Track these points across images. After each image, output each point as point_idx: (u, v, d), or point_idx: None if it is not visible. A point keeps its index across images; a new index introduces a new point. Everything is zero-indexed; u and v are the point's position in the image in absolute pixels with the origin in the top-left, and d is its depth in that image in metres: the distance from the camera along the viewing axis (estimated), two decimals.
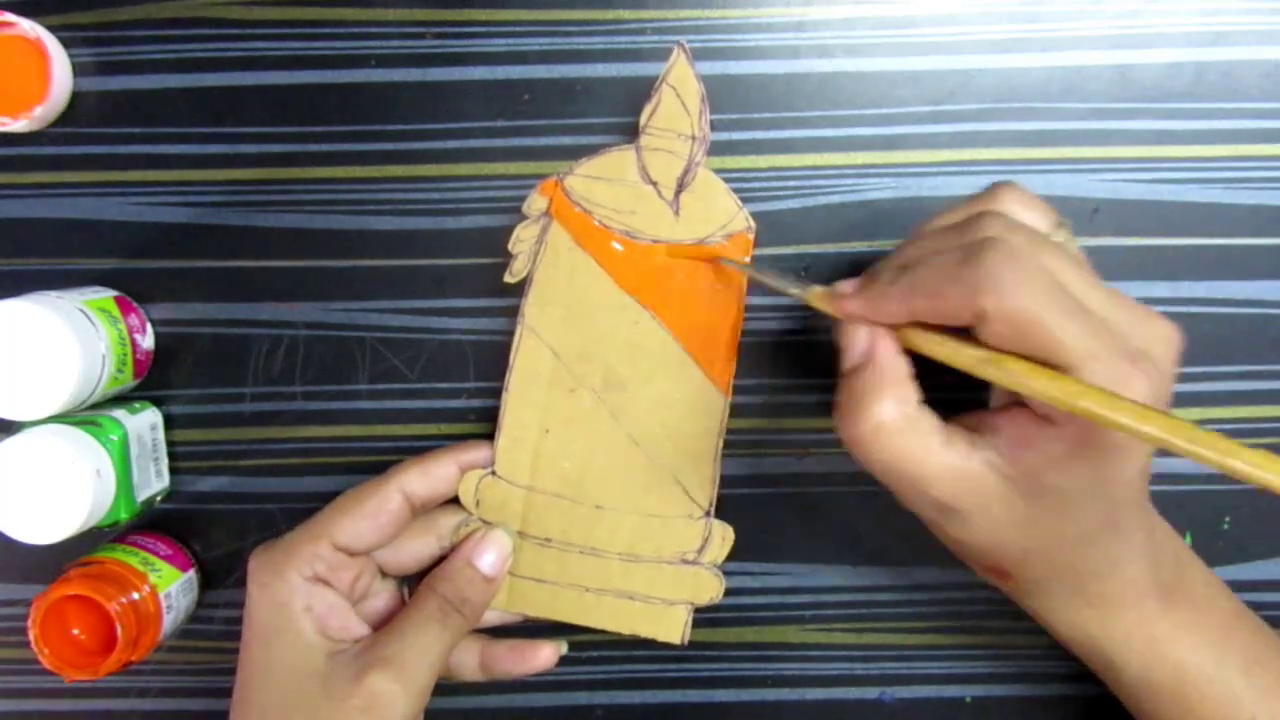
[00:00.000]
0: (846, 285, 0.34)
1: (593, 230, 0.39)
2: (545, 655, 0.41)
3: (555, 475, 0.40)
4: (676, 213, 0.39)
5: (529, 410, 0.40)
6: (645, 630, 0.41)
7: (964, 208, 0.34)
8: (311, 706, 0.35)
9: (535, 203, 0.39)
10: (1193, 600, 0.36)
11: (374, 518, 0.37)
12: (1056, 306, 0.29)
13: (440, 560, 0.40)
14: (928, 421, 0.32)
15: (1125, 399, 0.28)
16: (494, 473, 0.40)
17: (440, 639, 0.37)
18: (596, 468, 0.40)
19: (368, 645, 0.36)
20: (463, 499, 0.40)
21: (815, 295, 0.35)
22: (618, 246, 0.39)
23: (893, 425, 0.32)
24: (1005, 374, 0.30)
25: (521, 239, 0.39)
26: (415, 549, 0.40)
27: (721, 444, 0.40)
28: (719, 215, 0.39)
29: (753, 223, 0.39)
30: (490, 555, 0.39)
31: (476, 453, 0.40)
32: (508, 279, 0.39)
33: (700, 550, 0.40)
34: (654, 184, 0.39)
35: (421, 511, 0.39)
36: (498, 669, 0.41)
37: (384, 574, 0.40)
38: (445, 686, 0.44)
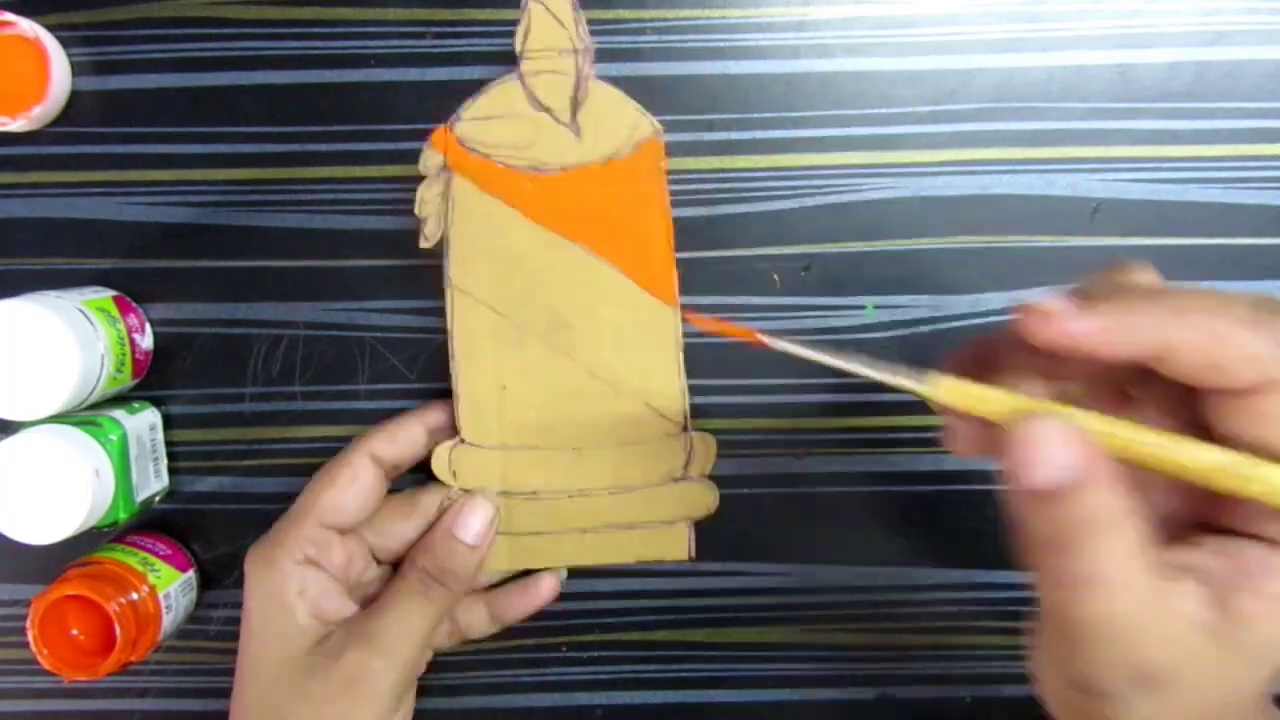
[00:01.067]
0: (1051, 303, 0.24)
1: (496, 173, 0.38)
2: (548, 586, 0.42)
3: (524, 428, 0.39)
4: (577, 134, 0.38)
5: (480, 372, 0.39)
6: (651, 554, 0.40)
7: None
8: (297, 690, 0.36)
9: (430, 158, 0.38)
10: None
11: (350, 485, 0.38)
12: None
13: None
14: (1165, 574, 0.24)
15: None
16: (463, 441, 0.40)
17: (423, 612, 0.37)
18: (563, 412, 0.39)
19: (349, 624, 0.37)
20: (439, 474, 0.39)
21: (948, 389, 0.26)
22: (526, 184, 0.38)
23: (1113, 577, 0.23)
24: (1244, 480, 0.23)
25: (426, 200, 0.38)
26: (400, 530, 0.39)
27: (682, 356, 0.40)
28: (622, 127, 0.38)
29: (659, 126, 0.38)
30: (473, 523, 0.38)
31: (439, 414, 0.40)
32: (422, 244, 0.38)
33: (686, 465, 0.40)
34: (547, 109, 0.37)
35: (394, 474, 0.40)
36: (508, 615, 0.42)
37: (378, 561, 0.40)
38: (446, 686, 0.44)
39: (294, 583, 0.37)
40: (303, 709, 0.36)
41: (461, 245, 0.38)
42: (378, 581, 0.40)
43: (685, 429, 0.40)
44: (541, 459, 0.40)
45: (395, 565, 0.41)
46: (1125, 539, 0.23)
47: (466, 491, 0.40)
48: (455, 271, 0.39)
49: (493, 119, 0.38)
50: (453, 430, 0.40)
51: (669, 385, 0.40)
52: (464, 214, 0.38)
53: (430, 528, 0.39)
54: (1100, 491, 0.23)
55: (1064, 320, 0.24)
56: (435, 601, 0.37)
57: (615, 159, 0.38)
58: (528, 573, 0.42)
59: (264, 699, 0.36)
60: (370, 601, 0.39)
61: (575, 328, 0.39)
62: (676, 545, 0.41)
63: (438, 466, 0.39)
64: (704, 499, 0.40)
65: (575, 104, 0.37)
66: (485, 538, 0.39)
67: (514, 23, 0.40)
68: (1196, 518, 0.26)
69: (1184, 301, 0.23)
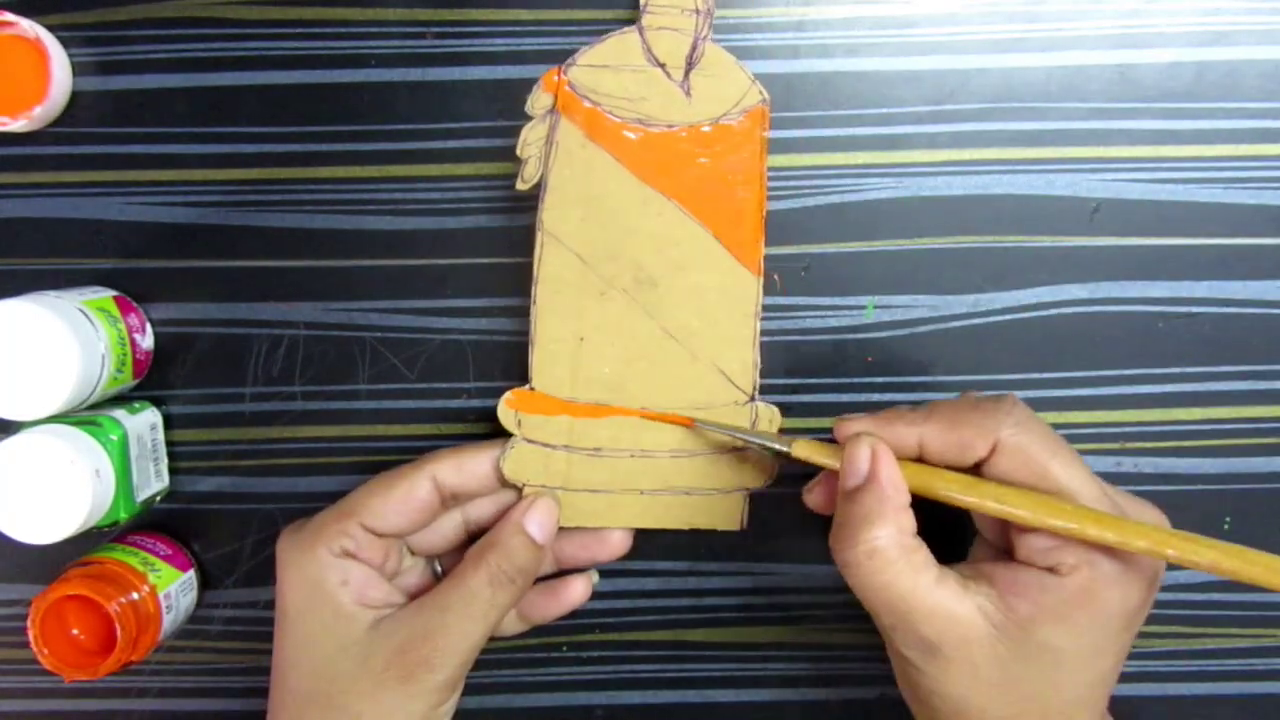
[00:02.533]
0: (852, 417, 0.35)
1: (603, 122, 0.38)
2: (579, 589, 0.42)
3: (596, 383, 0.39)
4: (688, 93, 0.38)
5: (560, 320, 0.39)
6: (704, 522, 0.40)
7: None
8: (350, 677, 0.35)
9: (539, 99, 0.37)
10: None
11: (403, 503, 0.37)
12: (1066, 452, 0.32)
13: (468, 542, 0.39)
14: (924, 554, 0.32)
15: (1138, 524, 0.30)
16: (532, 388, 0.39)
17: (486, 614, 0.36)
18: (637, 369, 0.39)
19: (410, 615, 0.36)
20: (503, 421, 0.39)
21: (801, 446, 0.36)
22: (631, 136, 0.38)
23: (889, 552, 0.31)
24: (1001, 504, 0.31)
25: (529, 141, 0.37)
26: (442, 527, 0.39)
27: (759, 326, 0.40)
28: (732, 91, 0.38)
29: (767, 95, 0.38)
30: (543, 519, 0.38)
31: None
32: (519, 186, 0.38)
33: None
34: (661, 65, 0.37)
35: (452, 503, 0.39)
36: (536, 615, 0.41)
37: (412, 552, 0.40)
38: None
39: (335, 573, 0.36)
40: (356, 696, 0.35)
41: (559, 190, 0.38)
42: (413, 572, 0.40)
43: (753, 399, 0.40)
44: (609, 415, 0.39)
45: (427, 557, 0.41)
46: (899, 522, 0.32)
47: (530, 442, 0.39)
48: (548, 215, 0.38)
49: (606, 68, 0.37)
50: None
51: (743, 353, 0.40)
52: (565, 159, 0.38)
53: (473, 532, 0.40)
54: (884, 485, 0.32)
55: (849, 424, 0.35)
56: (500, 600, 0.37)
57: (721, 123, 0.38)
58: (560, 574, 0.42)
59: (313, 683, 0.36)
60: (411, 592, 0.39)
61: (660, 286, 0.39)
62: (731, 515, 0.41)
63: (503, 414, 0.39)
64: (762, 469, 0.40)
65: (690, 63, 0.37)
66: (550, 537, 0.39)
67: (514, 23, 0.40)
68: (1008, 552, 0.34)
69: (934, 407, 0.34)
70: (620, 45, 0.37)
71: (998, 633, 0.31)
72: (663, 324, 0.39)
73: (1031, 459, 0.32)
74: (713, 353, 0.39)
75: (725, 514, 0.41)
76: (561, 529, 0.40)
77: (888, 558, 0.31)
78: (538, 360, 0.39)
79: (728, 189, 0.38)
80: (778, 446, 0.37)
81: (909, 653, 0.32)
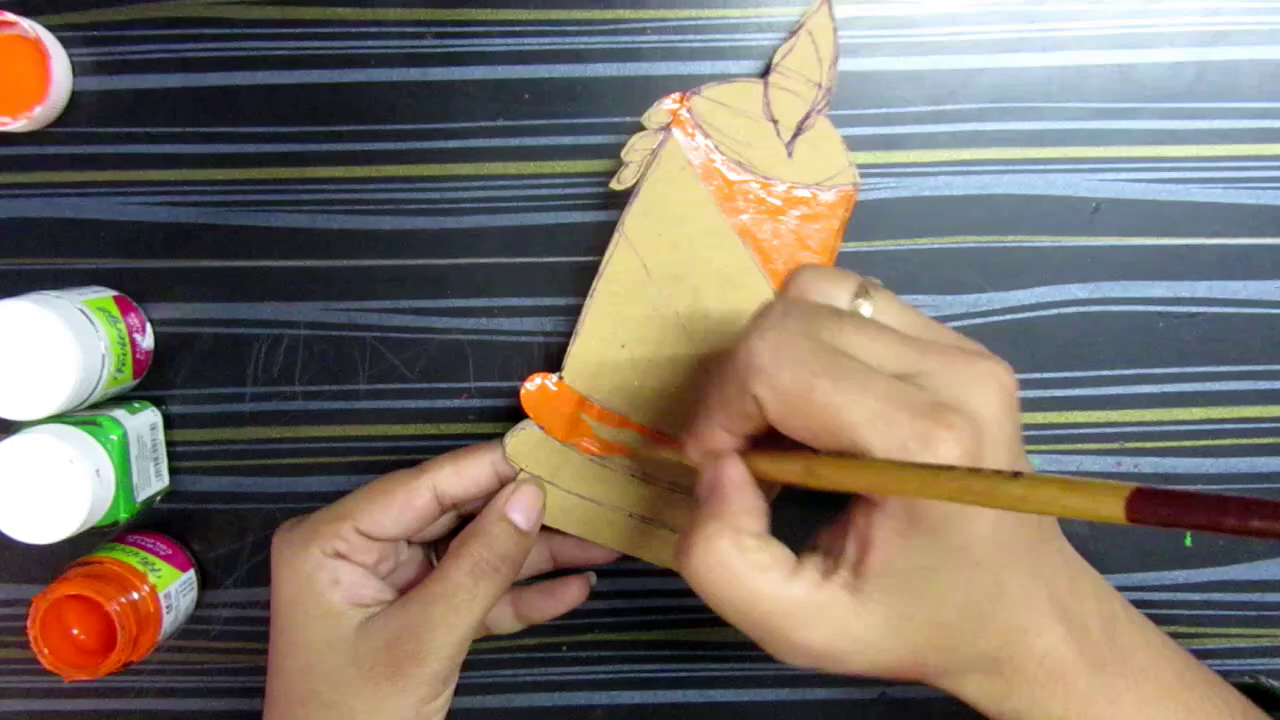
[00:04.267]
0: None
1: (709, 155, 0.39)
2: (576, 590, 0.42)
3: (621, 392, 0.40)
4: (790, 154, 0.39)
5: (609, 322, 0.39)
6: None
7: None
8: (340, 675, 0.35)
9: (657, 115, 0.39)
10: (1132, 669, 0.31)
11: (400, 511, 0.37)
12: (828, 373, 0.26)
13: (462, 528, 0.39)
14: (769, 553, 0.28)
15: (913, 464, 0.25)
16: (561, 379, 0.39)
17: (471, 607, 0.36)
18: (664, 391, 0.40)
19: (397, 610, 0.36)
20: (524, 403, 0.39)
21: (672, 454, 0.36)
22: (729, 174, 0.39)
23: (725, 560, 0.28)
24: (814, 477, 0.27)
25: (636, 148, 0.39)
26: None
27: None
28: (830, 167, 0.39)
29: (859, 180, 0.39)
30: (527, 506, 0.38)
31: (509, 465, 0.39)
32: (614, 185, 0.39)
33: None
34: (774, 121, 0.39)
35: (451, 509, 0.39)
36: (534, 615, 0.41)
37: (410, 542, 0.40)
38: None
39: (327, 573, 0.36)
40: (346, 693, 0.35)
41: (648, 201, 0.39)
42: (411, 565, 0.40)
43: None
44: (623, 428, 0.40)
45: (424, 546, 0.41)
46: (736, 524, 0.28)
47: (537, 428, 0.39)
48: (631, 221, 0.39)
49: (726, 107, 0.39)
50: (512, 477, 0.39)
51: None
52: (663, 175, 0.39)
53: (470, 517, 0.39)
54: (723, 493, 0.29)
55: (683, 450, 0.32)
56: (484, 591, 0.36)
57: (814, 193, 0.39)
58: (558, 574, 0.42)
59: (304, 682, 0.36)
60: (405, 584, 0.39)
61: (710, 320, 0.39)
62: None
63: (526, 398, 0.39)
64: None
65: (800, 129, 0.39)
66: (536, 525, 0.38)
67: (514, 23, 0.40)
68: None
69: (709, 395, 0.30)
70: (744, 90, 0.39)
71: (864, 599, 0.28)
72: (702, 356, 0.39)
73: (794, 407, 0.27)
74: None
75: None
76: (561, 530, 0.40)
77: (727, 566, 0.28)
78: (576, 352, 0.39)
79: (799, 253, 0.39)
80: (667, 455, 0.37)
81: (800, 664, 0.29)
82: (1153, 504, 0.20)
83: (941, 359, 0.28)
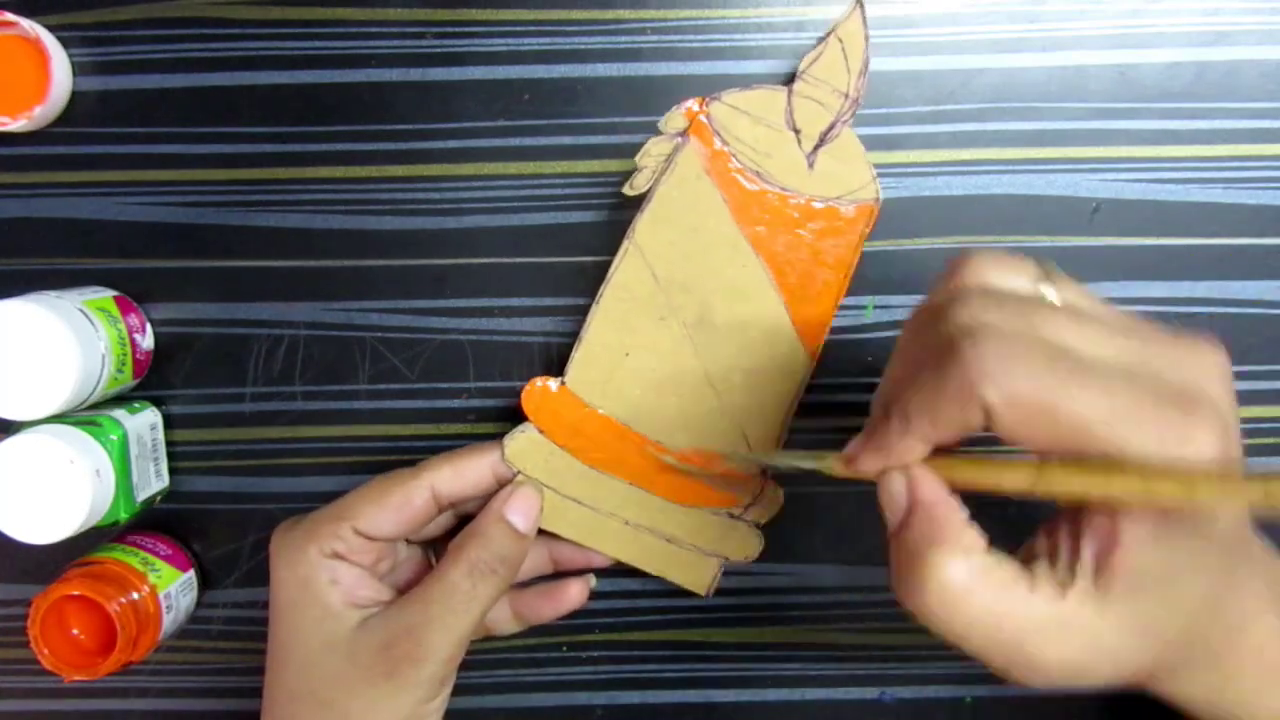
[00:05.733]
0: (852, 445, 0.30)
1: (726, 163, 0.38)
2: (576, 592, 0.41)
3: (623, 400, 0.39)
4: (811, 166, 0.38)
5: (614, 328, 0.39)
6: (675, 576, 0.40)
7: (934, 293, 0.29)
8: (337, 675, 0.35)
9: (674, 120, 0.38)
10: None
11: (397, 510, 0.37)
12: (1065, 375, 0.25)
13: (460, 529, 0.39)
14: (1007, 570, 0.27)
15: (1192, 468, 0.24)
16: (563, 383, 0.39)
17: (468, 609, 0.36)
18: (665, 402, 0.39)
19: (394, 611, 0.36)
20: (525, 405, 0.39)
21: (838, 464, 0.31)
22: (746, 184, 0.38)
23: (964, 584, 0.26)
24: (1046, 484, 0.26)
25: (651, 153, 0.38)
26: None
27: (795, 408, 0.40)
28: (852, 180, 0.38)
29: (881, 195, 0.38)
30: (526, 508, 0.38)
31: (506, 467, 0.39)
32: (627, 191, 0.38)
33: (747, 507, 0.40)
34: (797, 131, 0.38)
35: (449, 509, 0.39)
36: (532, 616, 0.41)
37: (409, 541, 0.40)
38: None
39: (324, 572, 0.36)
40: (343, 692, 0.35)
41: (660, 207, 0.38)
42: (409, 563, 0.40)
43: (764, 473, 0.40)
44: (621, 434, 0.39)
45: (423, 545, 0.41)
46: (962, 544, 0.27)
47: (536, 432, 0.39)
48: (642, 227, 0.39)
49: (746, 115, 0.38)
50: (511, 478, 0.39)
51: (772, 425, 0.40)
52: (678, 182, 0.38)
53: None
54: (930, 510, 0.27)
55: (855, 464, 0.30)
56: (481, 592, 0.36)
57: (832, 205, 0.38)
58: (558, 575, 0.42)
59: (301, 681, 0.36)
60: (404, 584, 0.39)
61: (718, 332, 0.39)
62: (700, 577, 0.41)
63: (526, 399, 0.39)
64: (746, 545, 0.40)
65: (822, 140, 0.38)
66: (533, 527, 0.38)
67: (514, 23, 0.40)
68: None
69: (907, 404, 0.27)
70: (766, 99, 0.38)
71: (1109, 605, 0.26)
72: (707, 369, 0.39)
73: (1032, 416, 0.25)
74: (742, 415, 0.39)
75: (697, 575, 0.41)
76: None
77: (963, 590, 0.26)
78: (579, 357, 0.39)
79: (815, 268, 0.39)
80: (811, 465, 0.33)
81: (1042, 684, 0.27)
82: None
83: (1162, 347, 0.27)
